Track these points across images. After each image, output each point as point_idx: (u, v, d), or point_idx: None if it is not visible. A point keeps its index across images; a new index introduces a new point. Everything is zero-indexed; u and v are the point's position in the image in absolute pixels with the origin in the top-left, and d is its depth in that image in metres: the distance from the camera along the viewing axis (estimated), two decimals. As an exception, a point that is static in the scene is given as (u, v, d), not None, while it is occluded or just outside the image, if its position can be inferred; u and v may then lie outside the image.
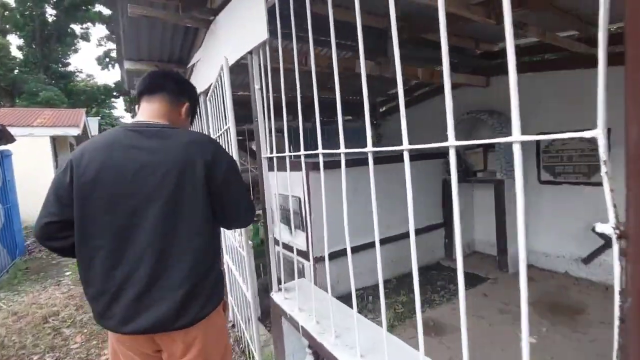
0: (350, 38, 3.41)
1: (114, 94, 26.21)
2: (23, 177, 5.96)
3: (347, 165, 1.61)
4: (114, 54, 26.39)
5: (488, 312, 3.10)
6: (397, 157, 3.95)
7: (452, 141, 1.07)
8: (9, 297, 3.65)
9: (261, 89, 1.80)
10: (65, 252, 1.16)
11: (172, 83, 1.31)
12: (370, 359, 1.28)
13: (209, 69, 2.51)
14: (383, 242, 3.78)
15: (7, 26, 20.69)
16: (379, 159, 3.48)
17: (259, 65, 1.82)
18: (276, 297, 1.90)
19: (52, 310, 3.18)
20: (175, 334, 1.15)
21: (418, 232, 4.25)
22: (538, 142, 3.86)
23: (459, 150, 4.45)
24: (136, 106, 1.48)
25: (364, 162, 3.08)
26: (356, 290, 1.74)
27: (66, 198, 1.11)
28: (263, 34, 1.62)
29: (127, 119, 30.43)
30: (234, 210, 1.29)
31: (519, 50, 4.17)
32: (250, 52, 1.83)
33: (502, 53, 4.22)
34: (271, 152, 1.78)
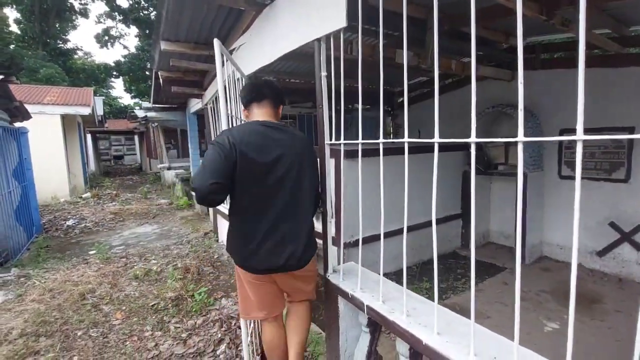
0: (388, 26, 3.44)
1: (114, 73, 25.72)
2: (35, 155, 5.93)
3: (372, 155, 1.70)
4: (113, 32, 25.82)
5: (510, 300, 3.23)
6: (418, 149, 4.02)
7: (473, 138, 1.14)
8: (39, 274, 3.71)
9: (328, 76, 1.84)
10: (216, 204, 1.50)
11: (272, 92, 1.78)
12: (447, 336, 1.37)
13: (260, 53, 2.52)
14: (396, 232, 3.87)
15: (4, -2, 20.04)
16: (399, 150, 3.52)
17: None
18: (332, 278, 1.99)
19: (88, 288, 3.25)
20: (295, 272, 1.73)
21: (437, 222, 4.36)
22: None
23: (481, 144, 4.53)
24: (242, 108, 1.82)
25: (389, 152, 3.15)
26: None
27: (229, 169, 1.45)
28: (340, 22, 1.65)
29: (126, 99, 29.97)
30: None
31: (546, 47, 4.22)
32: (319, 40, 1.86)
33: (529, 48, 4.26)
34: (337, 139, 1.84)
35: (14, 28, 20.74)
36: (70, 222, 6.14)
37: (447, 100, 5.06)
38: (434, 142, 1.31)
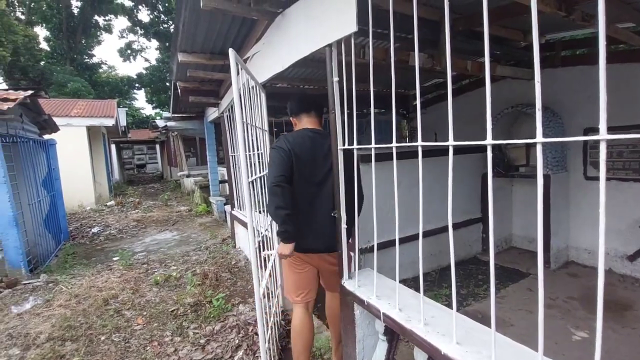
0: (400, 29, 3.41)
1: (136, 85, 26.70)
2: (62, 165, 6.21)
3: (387, 159, 1.67)
4: (135, 46, 26.88)
5: (535, 307, 3.09)
6: (436, 152, 3.94)
7: (489, 140, 1.10)
8: (66, 280, 3.85)
9: (340, 81, 1.84)
10: (284, 192, 1.85)
11: (317, 104, 2.15)
12: (466, 346, 1.32)
13: (273, 61, 2.56)
14: (413, 238, 3.78)
15: (34, 18, 21.23)
16: (415, 154, 3.44)
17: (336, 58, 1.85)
18: (348, 284, 1.97)
19: (111, 293, 3.35)
20: (327, 255, 2.07)
21: (456, 226, 4.29)
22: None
23: (500, 146, 4.41)
24: (293, 118, 2.20)
25: (404, 155, 3.12)
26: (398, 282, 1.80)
27: (289, 165, 1.87)
28: (351, 27, 1.65)
29: (148, 110, 31.00)
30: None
31: (567, 44, 4.07)
32: (330, 45, 1.86)
33: (547, 46, 4.13)
34: (350, 143, 1.83)
35: (43, 45, 21.93)
36: (95, 230, 6.37)
37: (465, 101, 4.96)
38: (448, 145, 1.28)
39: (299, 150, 1.90)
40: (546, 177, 3.84)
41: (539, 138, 1.00)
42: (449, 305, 3.45)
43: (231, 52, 1.76)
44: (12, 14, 18.72)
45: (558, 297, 3.23)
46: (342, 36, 1.74)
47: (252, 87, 2.40)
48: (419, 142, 1.40)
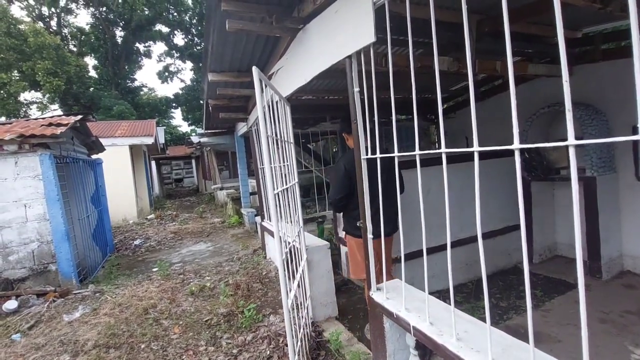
0: (421, 35, 3.37)
1: (173, 105, 28.34)
2: (108, 182, 6.68)
3: (414, 167, 1.62)
4: (172, 68, 28.64)
5: (587, 322, 2.84)
6: (467, 157, 3.79)
7: (516, 144, 1.02)
8: (111, 290, 4.10)
9: (361, 91, 1.84)
10: (343, 209, 2.70)
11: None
12: (503, 363, 1.24)
13: (296, 75, 2.62)
14: (456, 244, 3.64)
15: (84, 49, 23.32)
16: (449, 159, 3.34)
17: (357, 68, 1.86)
18: (376, 296, 1.93)
19: (151, 303, 3.51)
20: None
21: (494, 234, 4.08)
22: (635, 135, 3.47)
23: (538, 148, 4.16)
24: (345, 134, 2.70)
25: (433, 162, 3.04)
26: (431, 293, 1.72)
27: (348, 184, 2.50)
28: (369, 37, 1.66)
29: (184, 127, 32.70)
30: None
31: (608, 36, 3.81)
32: (349, 57, 1.88)
33: (585, 40, 3.88)
34: (372, 153, 1.82)
35: (92, 73, 23.98)
36: (137, 242, 6.75)
37: (497, 103, 4.76)
38: (473, 151, 1.24)
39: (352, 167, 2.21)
40: (592, 180, 3.56)
41: (571, 140, 0.94)
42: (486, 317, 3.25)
43: (255, 71, 1.83)
44: (65, 47, 20.70)
45: (612, 310, 2.95)
46: (361, 47, 1.76)
47: (277, 102, 2.47)
48: (443, 149, 1.37)
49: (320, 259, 3.09)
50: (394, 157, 1.70)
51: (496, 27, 3.03)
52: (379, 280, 2.11)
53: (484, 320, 1.36)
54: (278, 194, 2.17)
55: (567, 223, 4.20)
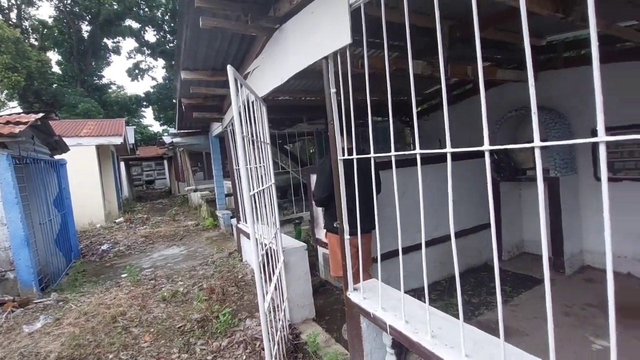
0: (397, 38, 3.44)
1: (144, 103, 27.29)
2: (73, 184, 6.32)
3: (389, 168, 1.68)
4: (143, 65, 27.58)
5: (552, 315, 2.99)
6: (440, 158, 3.91)
7: (486, 146, 1.09)
8: (76, 297, 3.88)
9: (338, 92, 1.85)
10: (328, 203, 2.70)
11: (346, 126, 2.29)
12: (475, 359, 1.28)
13: (273, 75, 2.59)
14: (431, 243, 3.73)
15: (47, 43, 22.00)
16: (424, 160, 3.44)
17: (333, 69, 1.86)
18: (353, 296, 1.94)
19: (119, 311, 3.35)
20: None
21: (465, 232, 4.21)
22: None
23: (506, 149, 4.34)
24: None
25: (407, 163, 3.11)
26: (406, 291, 1.77)
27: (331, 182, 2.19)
28: (345, 39, 1.67)
29: (156, 127, 31.59)
30: None
31: (570, 44, 4.04)
32: (326, 58, 1.88)
33: (549, 48, 4.10)
34: (351, 153, 1.82)
35: (56, 69, 22.67)
36: (104, 247, 6.44)
37: (468, 106, 4.93)
38: (445, 152, 1.27)
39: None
40: (555, 180, 3.76)
41: (537, 142, 0.99)
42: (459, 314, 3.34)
43: (229, 70, 1.79)
44: (26, 41, 19.43)
45: (575, 304, 3.12)
46: (338, 48, 1.76)
47: (253, 102, 2.43)
48: (417, 150, 1.40)
49: (298, 261, 3.07)
50: (370, 158, 1.72)
51: (467, 33, 3.14)
52: (356, 279, 2.13)
53: (457, 316, 1.40)
54: (254, 195, 2.13)
55: (533, 221, 4.41)
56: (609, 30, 2.72)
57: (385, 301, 1.78)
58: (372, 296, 1.90)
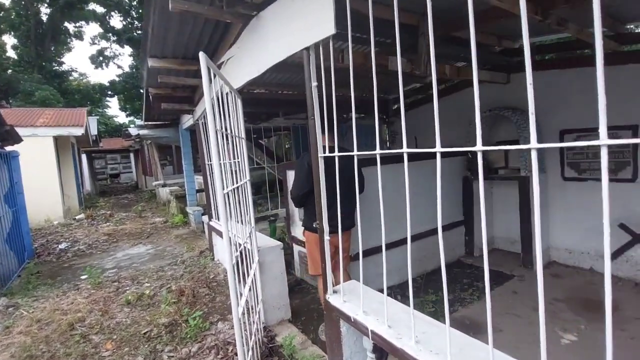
0: (379, 34, 3.38)
1: (109, 93, 25.77)
2: (27, 178, 5.80)
3: (369, 165, 1.65)
4: (108, 53, 25.98)
5: (522, 310, 3.08)
6: (415, 156, 3.92)
7: (479, 146, 1.06)
8: (28, 303, 3.54)
9: (319, 86, 1.75)
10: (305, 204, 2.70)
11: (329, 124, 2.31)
12: (461, 364, 1.23)
13: (249, 65, 2.44)
14: (400, 243, 3.73)
15: (2, 26, 20.17)
16: (397, 158, 3.45)
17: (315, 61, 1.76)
18: (333, 299, 1.86)
19: (77, 317, 3.08)
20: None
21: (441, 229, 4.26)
22: (562, 140, 3.85)
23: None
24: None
25: (386, 160, 3.06)
26: (383, 289, 1.73)
27: (311, 180, 2.15)
28: (329, 29, 1.57)
29: (121, 118, 29.96)
30: None
31: (542, 48, 4.17)
32: (307, 49, 1.77)
33: (520, 51, 4.21)
34: (330, 151, 1.73)
35: (11, 53, 20.86)
36: (62, 246, 5.98)
37: (442, 106, 4.97)
38: (435, 151, 1.21)
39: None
40: (526, 179, 3.88)
41: (534, 144, 0.94)
42: (436, 312, 3.37)
43: (202, 56, 1.64)
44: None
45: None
46: (320, 39, 1.66)
47: (227, 93, 2.28)
48: (404, 149, 1.33)
49: (273, 260, 2.96)
50: (348, 156, 1.65)
51: (446, 31, 3.14)
52: (336, 280, 2.10)
53: (436, 313, 1.38)
54: (228, 193, 1.99)
55: (503, 219, 4.55)
56: (580, 35, 2.80)
57: (366, 304, 1.71)
58: (352, 299, 1.83)
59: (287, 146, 9.78)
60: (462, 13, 3.11)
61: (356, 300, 1.79)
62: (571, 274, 3.77)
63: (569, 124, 3.73)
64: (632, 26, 3.28)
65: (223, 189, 1.70)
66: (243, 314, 2.02)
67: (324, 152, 1.79)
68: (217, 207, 4.12)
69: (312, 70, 1.75)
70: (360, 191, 2.38)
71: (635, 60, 3.28)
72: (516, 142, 4.14)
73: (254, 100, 4.66)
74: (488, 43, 3.82)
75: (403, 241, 3.99)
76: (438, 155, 1.21)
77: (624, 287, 3.40)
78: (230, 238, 1.76)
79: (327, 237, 1.86)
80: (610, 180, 3.57)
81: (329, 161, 2.04)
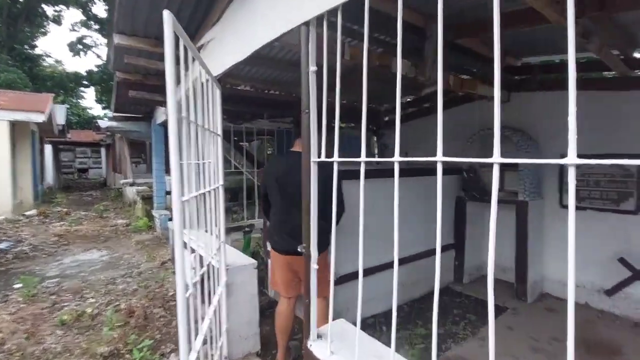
0: (384, 32, 3.07)
1: (84, 82, 24.44)
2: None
3: (355, 178, 1.34)
4: (88, 41, 24.75)
5: (519, 350, 2.76)
6: (407, 171, 3.59)
7: (439, 156, 0.91)
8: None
9: (318, 72, 1.37)
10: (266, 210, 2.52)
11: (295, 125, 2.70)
12: None
13: (234, 47, 2.03)
14: (386, 266, 3.34)
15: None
16: (386, 172, 3.14)
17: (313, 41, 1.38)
18: (317, 348, 1.44)
19: (-5, 338, 2.49)
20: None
21: (429, 253, 3.93)
22: (561, 165, 3.65)
23: (476, 168, 4.19)
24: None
25: (374, 174, 2.62)
26: (367, 318, 1.36)
27: (271, 187, 2.30)
28: (338, -5, 1.19)
29: (97, 110, 28.52)
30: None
31: (545, 68, 4.00)
32: (307, 23, 1.39)
33: (524, 69, 4.04)
34: (327, 155, 1.35)
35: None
36: (3, 245, 5.21)
37: (436, 121, 4.75)
38: (436, 160, 0.95)
39: (275, 171, 2.31)
40: (524, 204, 3.64)
41: (496, 157, 0.79)
42: (427, 349, 2.93)
43: (167, 16, 1.23)
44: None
45: (541, 337, 2.93)
46: (326, 9, 1.28)
47: (206, 82, 1.88)
48: (396, 158, 1.05)
49: (244, 282, 2.51)
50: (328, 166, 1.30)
51: (454, 37, 2.88)
52: (287, 291, 2.23)
53: (425, 349, 1.02)
54: (189, 200, 1.56)
55: (496, 244, 4.29)
56: (599, 54, 2.59)
57: (362, 355, 1.31)
58: (341, 347, 1.42)
59: (269, 152, 9.35)
60: (471, 18, 2.86)
61: (345, 350, 1.38)
62: (566, 308, 3.50)
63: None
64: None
65: (180, 195, 1.27)
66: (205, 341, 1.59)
67: (320, 156, 1.39)
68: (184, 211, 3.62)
69: (312, 52, 1.37)
70: (341, 210, 2.23)
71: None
72: (514, 164, 3.91)
73: (237, 98, 4.24)
74: (492, 57, 3.61)
75: (389, 265, 3.65)
76: (439, 165, 0.92)
77: (622, 325, 3.17)
78: (184, 258, 1.33)
79: (314, 266, 1.46)
80: (612, 211, 3.38)
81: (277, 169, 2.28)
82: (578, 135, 0.70)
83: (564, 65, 3.71)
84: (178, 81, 1.32)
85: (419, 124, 5.14)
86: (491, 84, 3.38)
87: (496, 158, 0.82)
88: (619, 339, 2.93)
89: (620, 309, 3.31)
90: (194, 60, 1.70)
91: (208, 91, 2.06)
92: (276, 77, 3.79)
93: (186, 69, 1.43)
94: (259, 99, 4.40)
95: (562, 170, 3.69)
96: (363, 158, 1.19)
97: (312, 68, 1.38)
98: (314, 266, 1.45)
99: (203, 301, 1.78)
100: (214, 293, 2.02)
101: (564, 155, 2.86)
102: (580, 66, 3.67)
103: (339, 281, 2.85)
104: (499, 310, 3.45)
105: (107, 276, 3.90)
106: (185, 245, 2.84)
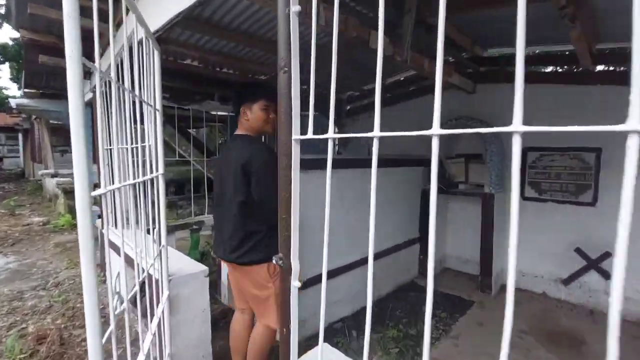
0: (362, 3, 2.71)
1: (-2, 58, 20.82)
2: None
3: (317, 168, 1.06)
4: (2, 11, 21.04)
5: (495, 348, 2.65)
6: (369, 162, 3.36)
7: (436, 129, 0.72)
8: None
9: (303, 14, 0.97)
10: None
11: (233, 99, 1.97)
12: None
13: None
14: (356, 265, 3.08)
15: None
16: (348, 163, 2.92)
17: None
18: (298, 391, 1.07)
19: None
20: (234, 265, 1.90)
21: (396, 248, 3.75)
22: (525, 157, 3.67)
23: (441, 159, 4.09)
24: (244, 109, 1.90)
25: (341, 164, 2.26)
26: (334, 322, 1.08)
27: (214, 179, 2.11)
28: None
29: (13, 90, 24.52)
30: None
31: (511, 60, 3.98)
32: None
33: (489, 60, 4.00)
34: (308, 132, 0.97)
35: None
36: None
37: (405, 110, 4.58)
38: (431, 134, 0.65)
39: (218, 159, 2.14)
40: (490, 196, 3.60)
41: (376, 132, 0.68)
42: (402, 353, 2.65)
43: None
44: None
45: (513, 333, 2.87)
46: None
47: (142, 40, 1.41)
48: (376, 132, 0.74)
49: (193, 294, 2.05)
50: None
51: (426, 17, 2.65)
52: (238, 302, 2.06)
53: (403, 354, 0.76)
54: (113, 192, 1.08)
55: (456, 236, 4.26)
56: (583, 46, 2.52)
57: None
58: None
59: (219, 141, 8.64)
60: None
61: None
62: (526, 298, 3.56)
63: (536, 141, 3.55)
64: (603, 46, 3.18)
65: (93, 187, 0.81)
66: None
67: (302, 133, 1.00)
68: (114, 208, 2.97)
69: (293, -16, 0.96)
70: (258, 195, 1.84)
71: (605, 81, 3.19)
72: (479, 156, 3.87)
73: (183, 74, 3.63)
74: (462, 45, 3.47)
75: (356, 264, 3.40)
76: (434, 139, 0.61)
77: (579, 314, 3.26)
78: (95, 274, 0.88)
79: (296, 284, 1.08)
80: (570, 203, 3.45)
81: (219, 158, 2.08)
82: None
83: (529, 58, 3.71)
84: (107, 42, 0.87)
85: (389, 112, 4.91)
86: (462, 72, 3.22)
87: (435, 130, 0.53)
88: (579, 329, 2.98)
89: (575, 298, 3.42)
90: (127, 11, 1.24)
91: (144, 53, 1.55)
92: (231, 50, 3.26)
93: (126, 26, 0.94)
94: (210, 78, 3.84)
95: (525, 163, 3.70)
96: (331, 134, 0.82)
97: (295, 8, 0.97)
98: (294, 283, 1.06)
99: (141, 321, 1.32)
100: (154, 313, 1.55)
101: (527, 148, 2.79)
102: (534, 60, 3.72)
103: (303, 285, 2.52)
104: (466, 305, 3.37)
105: (12, 289, 3.09)
106: (118, 249, 2.21)
